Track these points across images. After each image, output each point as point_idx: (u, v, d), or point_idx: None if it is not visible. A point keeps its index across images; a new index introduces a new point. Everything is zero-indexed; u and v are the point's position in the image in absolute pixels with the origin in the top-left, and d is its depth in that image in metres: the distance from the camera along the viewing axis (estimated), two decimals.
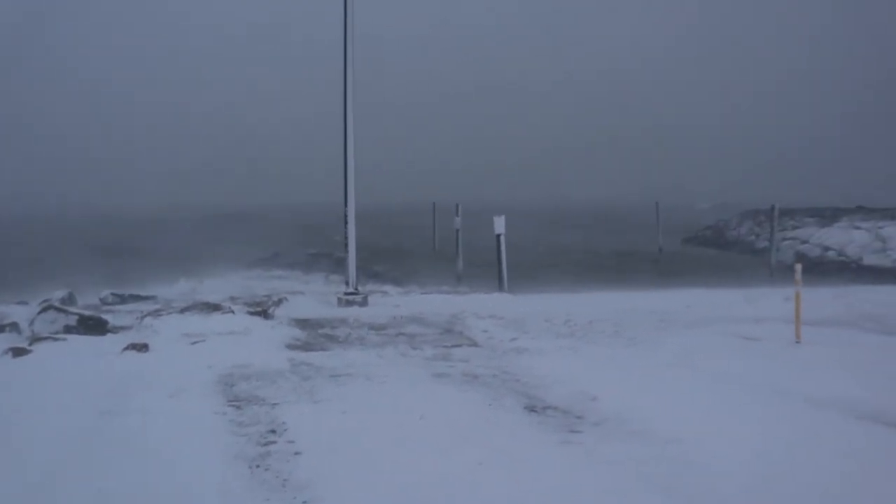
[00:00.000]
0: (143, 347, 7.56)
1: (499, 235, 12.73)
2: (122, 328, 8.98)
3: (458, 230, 16.50)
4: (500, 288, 12.67)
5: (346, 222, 11.50)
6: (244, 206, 51.87)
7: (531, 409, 5.52)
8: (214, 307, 9.84)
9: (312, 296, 12.41)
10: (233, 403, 5.68)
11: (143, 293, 12.30)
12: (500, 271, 12.77)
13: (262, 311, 10.11)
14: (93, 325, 8.73)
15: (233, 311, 9.73)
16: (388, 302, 11.55)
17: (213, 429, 5.02)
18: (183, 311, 9.60)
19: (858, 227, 22.48)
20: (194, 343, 7.93)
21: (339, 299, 11.29)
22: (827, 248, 22.42)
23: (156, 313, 9.51)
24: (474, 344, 8.09)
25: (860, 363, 7.09)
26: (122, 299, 11.83)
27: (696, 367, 6.97)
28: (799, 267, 8.57)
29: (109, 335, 8.54)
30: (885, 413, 5.38)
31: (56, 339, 7.98)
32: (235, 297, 11.62)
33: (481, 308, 10.49)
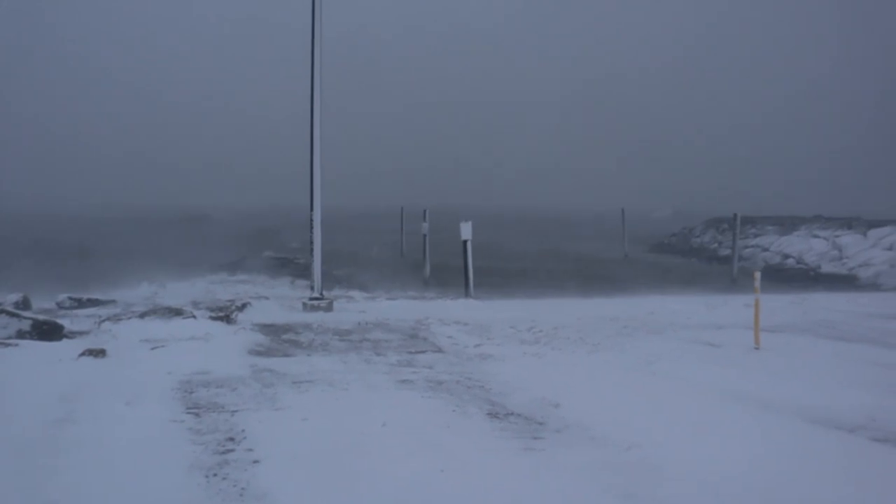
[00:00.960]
0: (100, 353, 7.37)
1: (465, 241, 12.74)
2: (79, 333, 8.75)
3: (425, 235, 16.52)
4: (467, 294, 12.68)
5: (311, 227, 11.41)
6: (205, 208, 51.11)
7: (494, 415, 5.52)
8: (176, 312, 9.67)
9: (277, 301, 12.27)
10: (191, 411, 5.57)
11: (102, 297, 12.02)
12: (466, 277, 12.79)
13: (224, 316, 9.96)
14: (47, 331, 8.49)
15: (194, 316, 9.57)
16: (354, 307, 11.48)
17: (169, 437, 4.91)
18: (143, 315, 9.41)
19: (817, 236, 23.08)
20: (154, 349, 7.78)
21: (304, 304, 11.18)
22: (787, 256, 22.96)
23: (115, 318, 9.31)
24: (439, 350, 8.07)
25: (815, 369, 7.25)
26: (80, 303, 11.54)
27: (657, 374, 7.06)
28: (758, 275, 8.73)
29: (65, 340, 8.32)
30: (838, 418, 5.51)
31: (7, 345, 7.73)
32: (198, 302, 11.44)
33: (447, 314, 10.48)
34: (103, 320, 9.12)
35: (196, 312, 9.91)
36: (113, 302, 11.78)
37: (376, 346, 8.29)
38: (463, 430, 5.12)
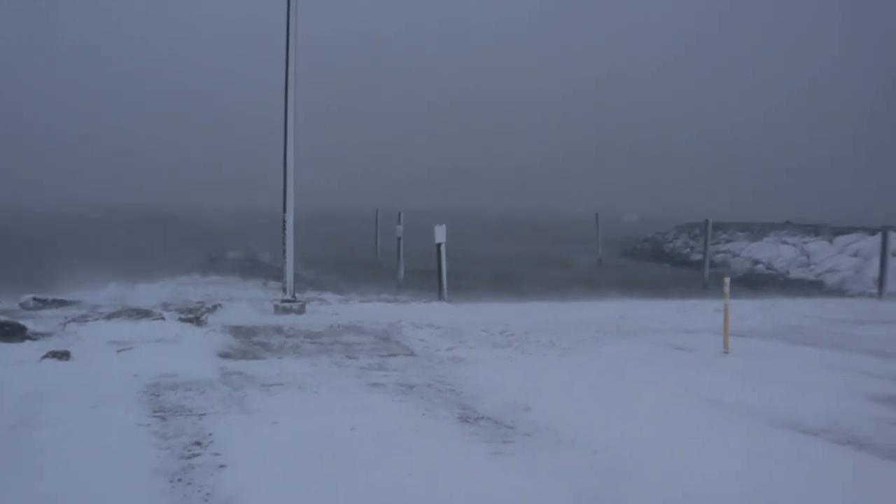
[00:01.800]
0: (64, 355, 7.21)
1: (439, 244, 12.73)
2: (43, 335, 8.55)
3: (399, 238, 16.47)
4: (440, 297, 12.67)
5: (284, 228, 11.31)
6: (171, 209, 50.41)
7: (464, 419, 5.51)
8: (144, 313, 9.52)
9: (249, 303, 12.14)
10: (158, 414, 5.47)
11: (67, 298, 11.77)
12: (439, 280, 12.78)
13: (194, 317, 9.82)
14: (9, 332, 8.27)
15: (163, 318, 9.43)
16: (327, 310, 11.40)
17: (134, 441, 4.81)
18: (110, 317, 9.24)
19: (786, 242, 23.47)
20: (120, 351, 7.63)
21: (276, 307, 11.07)
22: (756, 262, 23.32)
23: (81, 319, 9.12)
24: (411, 353, 8.04)
25: (782, 373, 7.36)
26: (45, 304, 11.28)
27: (628, 377, 7.10)
28: (727, 280, 8.86)
29: (28, 342, 8.11)
30: (803, 421, 5.59)
31: None
32: (167, 303, 11.26)
33: (419, 317, 10.46)
34: (68, 321, 8.93)
35: (165, 314, 9.75)
36: (78, 303, 11.53)
37: (348, 349, 8.23)
38: (433, 434, 5.10)
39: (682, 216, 31.10)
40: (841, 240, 21.25)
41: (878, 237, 16.70)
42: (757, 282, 20.36)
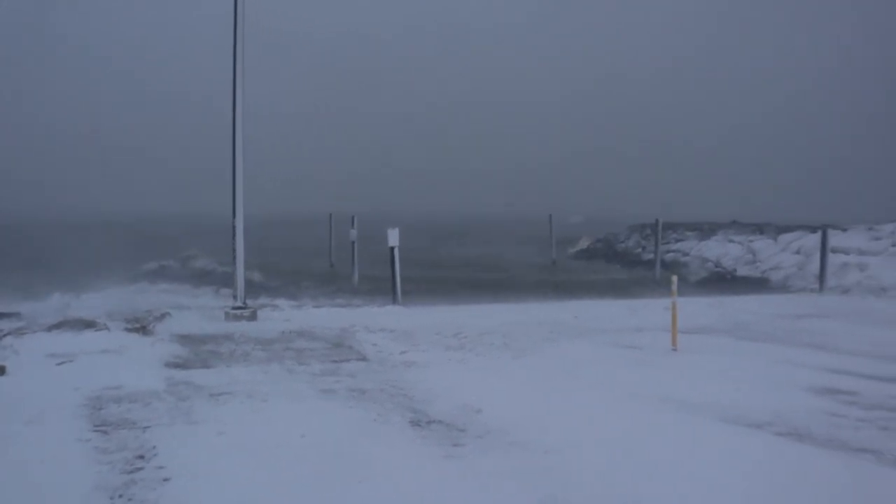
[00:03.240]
0: None
1: (392, 248, 12.68)
2: None
3: (353, 242, 16.36)
4: (394, 301, 12.61)
5: (234, 234, 11.11)
6: (104, 214, 49.07)
7: (416, 423, 5.48)
8: (87, 324, 9.23)
9: (199, 311, 11.86)
10: (99, 428, 5.29)
11: (6, 310, 11.31)
12: (393, 284, 12.72)
13: (140, 327, 9.57)
14: None
15: (108, 328, 9.16)
16: (279, 316, 11.23)
17: (72, 458, 4.64)
18: (51, 328, 8.93)
19: (732, 241, 24.10)
20: (61, 363, 7.37)
21: (227, 314, 10.86)
22: (705, 260, 23.88)
23: (18, 332, 8.77)
24: (363, 358, 7.98)
25: (728, 369, 7.54)
26: None
27: (580, 377, 7.18)
28: (675, 279, 9.04)
29: None
30: (747, 415, 5.73)
31: None
32: (113, 313, 10.93)
33: (373, 321, 10.39)
34: (5, 335, 8.57)
35: (110, 324, 9.48)
36: (18, 314, 11.10)
37: (299, 355, 8.12)
38: (384, 439, 5.07)
39: (625, 217, 31.71)
40: (784, 238, 21.93)
41: (819, 235, 17.29)
42: (707, 280, 20.86)
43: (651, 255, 23.00)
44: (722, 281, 20.61)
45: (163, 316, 10.56)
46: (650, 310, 12.03)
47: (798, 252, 20.40)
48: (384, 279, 13.69)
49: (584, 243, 31.53)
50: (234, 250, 11.14)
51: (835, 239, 17.98)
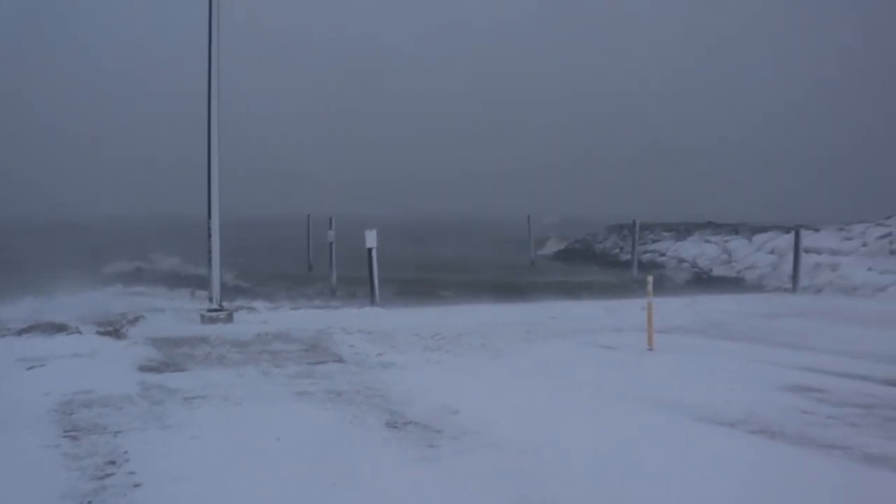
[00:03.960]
0: None
1: (370, 249, 12.64)
2: None
3: (331, 244, 16.28)
4: (372, 302, 12.58)
5: (209, 235, 11.00)
6: (78, 217, 48.35)
7: (392, 425, 5.46)
8: (59, 328, 9.11)
9: (175, 313, 11.72)
10: (69, 434, 5.20)
11: None
12: (371, 285, 12.68)
13: (114, 330, 9.45)
14: None
15: (80, 332, 9.03)
16: (255, 318, 11.14)
17: (40, 464, 4.55)
18: (21, 332, 8.79)
19: (708, 241, 24.40)
20: (30, 368, 7.24)
21: (203, 316, 10.75)
22: (682, 260, 24.15)
23: None
24: (340, 360, 7.94)
25: (702, 368, 7.63)
26: None
27: (556, 377, 7.21)
28: (651, 279, 9.12)
29: None
30: (720, 414, 5.79)
31: None
32: (85, 316, 10.76)
33: (350, 323, 10.35)
34: None
35: (82, 327, 9.35)
36: None
37: (275, 357, 8.06)
38: (359, 442, 5.04)
39: (601, 217, 31.93)
40: (759, 238, 22.23)
41: (792, 235, 17.55)
42: (683, 279, 21.09)
43: (629, 256, 23.19)
44: (698, 281, 20.84)
45: (136, 319, 10.42)
46: (627, 310, 12.12)
47: (772, 252, 20.70)
48: (363, 281, 13.65)
49: (552, 245, 31.72)
50: (209, 252, 11.02)
51: (807, 239, 18.27)
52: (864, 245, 18.45)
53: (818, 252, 18.52)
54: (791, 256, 17.19)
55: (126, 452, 4.79)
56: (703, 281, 20.76)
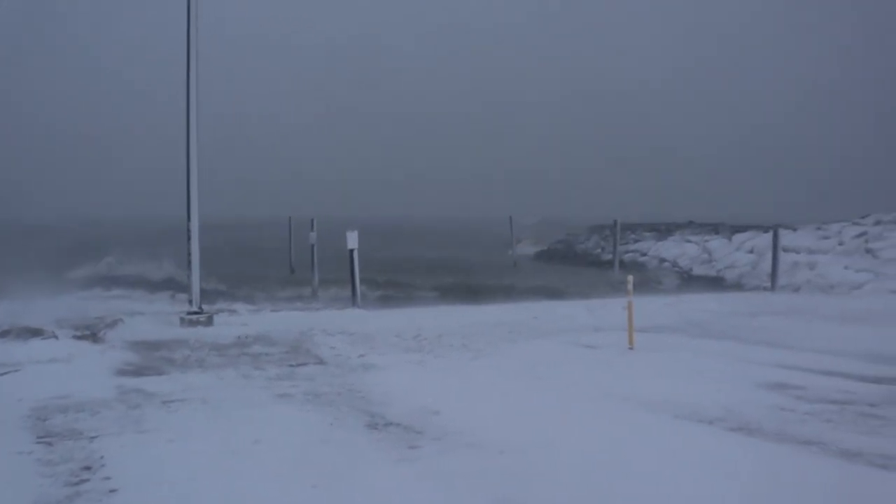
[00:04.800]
0: None
1: (352, 250, 12.58)
2: None
3: (313, 245, 16.17)
4: (354, 304, 12.52)
5: (189, 238, 10.89)
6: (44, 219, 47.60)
7: (372, 426, 5.43)
8: (34, 332, 8.97)
9: (154, 316, 11.59)
10: (43, 440, 5.11)
11: None
12: (353, 287, 12.63)
13: (91, 334, 9.32)
14: None
15: (56, 336, 8.90)
16: (236, 321, 11.04)
17: (13, 471, 4.46)
18: None
19: (689, 241, 24.58)
20: (4, 374, 7.12)
21: (182, 319, 10.64)
22: (663, 260, 24.31)
23: None
24: (321, 362, 7.89)
25: (683, 366, 7.67)
26: None
27: (538, 377, 7.22)
28: (630, 279, 9.16)
29: None
30: (700, 412, 5.83)
31: None
32: (62, 320, 10.61)
33: (332, 324, 10.30)
34: None
35: (59, 332, 9.21)
36: None
37: (256, 360, 7.99)
38: (340, 443, 5.01)
39: (580, 218, 32.11)
40: (738, 237, 22.45)
41: (771, 234, 17.74)
42: (664, 279, 21.21)
43: (610, 256, 23.30)
44: (679, 280, 20.99)
45: (115, 322, 10.29)
46: (608, 310, 12.16)
47: (752, 251, 20.91)
48: (345, 282, 13.59)
49: (526, 246, 31.78)
50: (189, 254, 10.92)
51: (786, 238, 18.49)
52: (841, 244, 18.70)
53: (796, 251, 18.75)
54: (770, 255, 17.37)
55: (102, 458, 4.72)
56: (684, 280, 20.91)
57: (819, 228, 20.20)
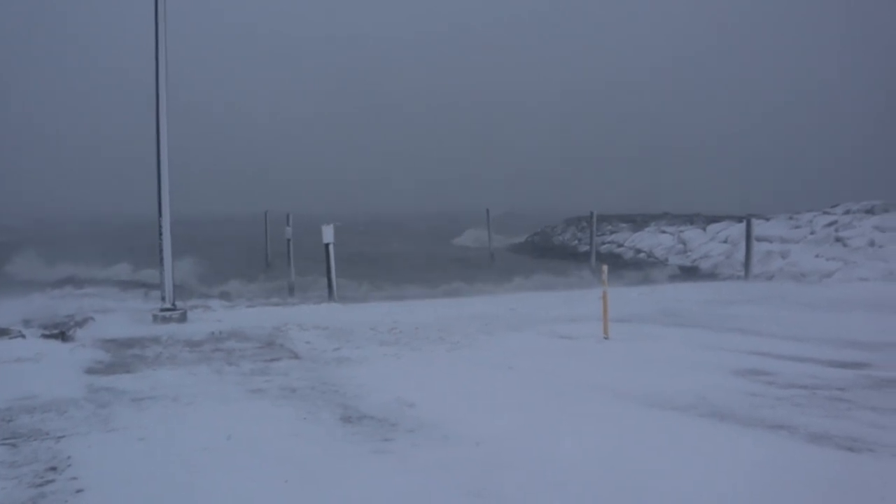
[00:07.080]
0: None
1: (328, 244, 12.49)
2: None
3: (289, 240, 16.03)
4: (330, 297, 12.44)
5: (160, 233, 10.73)
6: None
7: (346, 419, 5.39)
8: (1, 332, 8.77)
9: (126, 313, 11.40)
10: (7, 441, 5.00)
11: None
12: (329, 281, 12.55)
13: (60, 333, 9.14)
14: None
15: (23, 336, 8.72)
16: (210, 317, 10.91)
17: None
18: None
19: (664, 231, 24.80)
20: None
21: (155, 316, 10.48)
22: (639, 251, 24.50)
23: None
24: (295, 356, 7.82)
25: (656, 355, 7.73)
26: None
27: (514, 368, 7.21)
28: (605, 268, 9.20)
29: None
30: (673, 400, 5.86)
31: None
32: (30, 320, 10.40)
33: (307, 319, 10.21)
34: None
35: (26, 331, 9.03)
36: None
37: (229, 355, 7.90)
38: (313, 438, 4.96)
39: (557, 210, 32.30)
40: (713, 227, 22.69)
41: (744, 224, 17.94)
42: (640, 269, 21.35)
43: (587, 247, 23.43)
44: (654, 270, 21.16)
45: (85, 321, 10.12)
46: (585, 300, 12.22)
47: (726, 241, 21.15)
48: (321, 276, 13.50)
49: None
50: (160, 250, 10.76)
51: (759, 228, 18.72)
52: (812, 233, 18.98)
53: (769, 240, 18.99)
54: (744, 245, 17.57)
55: (69, 458, 4.63)
56: (660, 270, 21.08)
57: (791, 218, 20.48)
